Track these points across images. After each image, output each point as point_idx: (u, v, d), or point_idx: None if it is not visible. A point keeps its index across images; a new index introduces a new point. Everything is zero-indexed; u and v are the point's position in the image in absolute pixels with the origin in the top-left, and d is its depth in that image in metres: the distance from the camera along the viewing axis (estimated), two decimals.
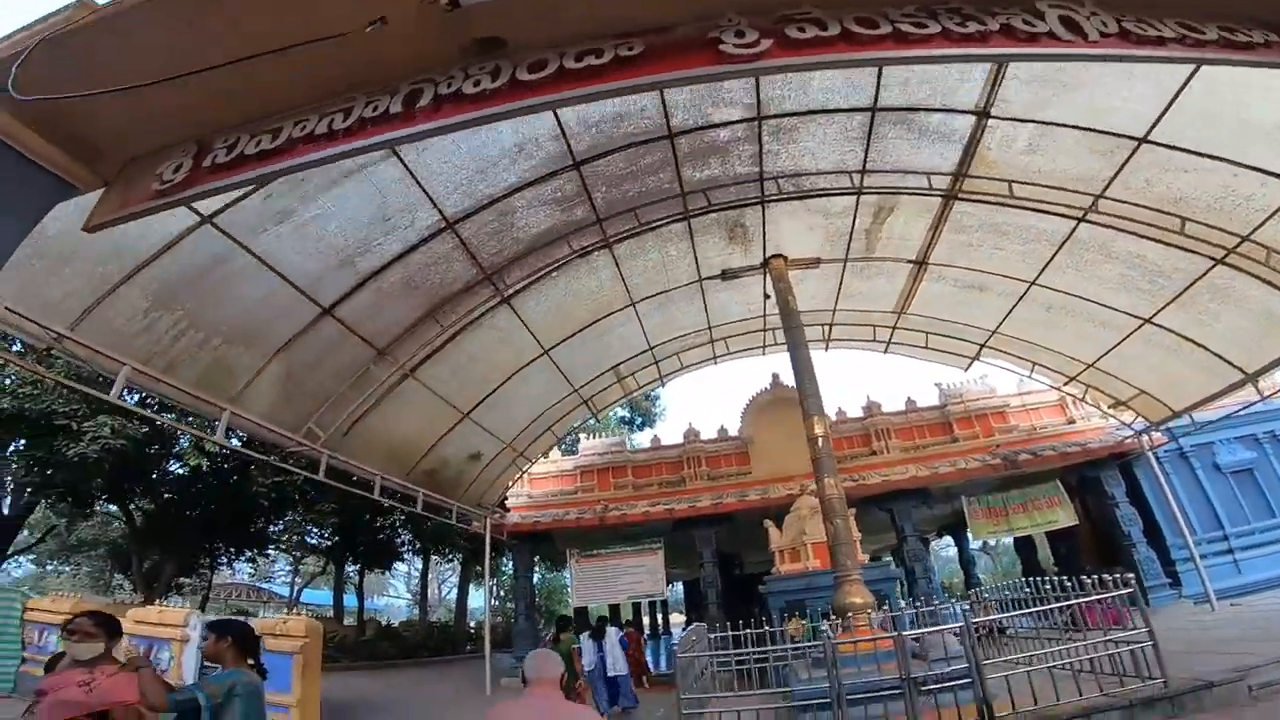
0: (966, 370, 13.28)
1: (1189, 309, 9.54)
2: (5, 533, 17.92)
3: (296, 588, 37.77)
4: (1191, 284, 9.07)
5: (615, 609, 19.36)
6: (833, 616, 7.04)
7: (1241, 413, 13.55)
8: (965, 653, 4.89)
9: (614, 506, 14.58)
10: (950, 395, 15.77)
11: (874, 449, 15.28)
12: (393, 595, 50.25)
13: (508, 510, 15.47)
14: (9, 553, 18.99)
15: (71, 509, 18.90)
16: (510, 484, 15.67)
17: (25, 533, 21.03)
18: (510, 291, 9.57)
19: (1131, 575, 5.26)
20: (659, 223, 9.47)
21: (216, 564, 23.83)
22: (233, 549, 22.16)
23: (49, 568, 31.81)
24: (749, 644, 6.38)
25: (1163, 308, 9.71)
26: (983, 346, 12.31)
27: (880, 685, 4.95)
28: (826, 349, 13.53)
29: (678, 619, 38.12)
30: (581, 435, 17.93)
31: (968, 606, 5.32)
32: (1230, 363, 9.90)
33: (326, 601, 32.75)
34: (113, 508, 19.94)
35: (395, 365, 9.16)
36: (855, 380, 18.35)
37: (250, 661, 3.43)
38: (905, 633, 5.20)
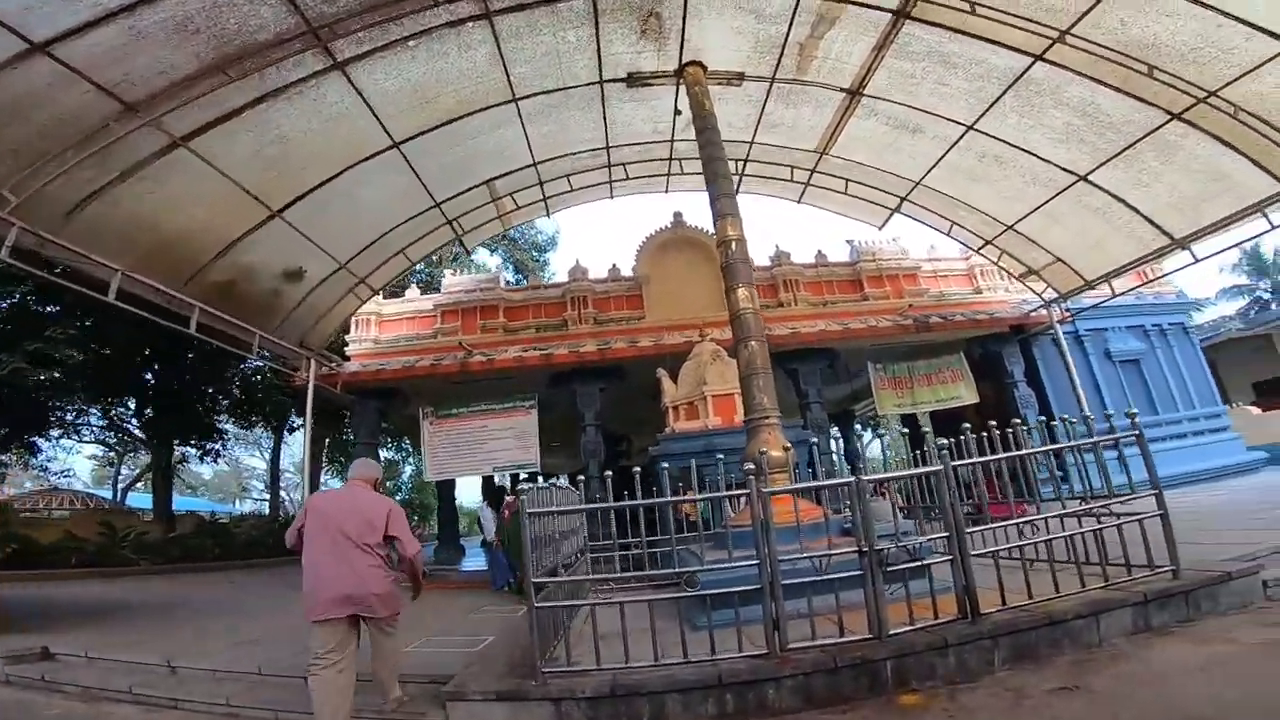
0: (881, 229, 12.32)
1: (1130, 167, 9.00)
2: None
3: (120, 485, 32.16)
4: (1141, 138, 8.52)
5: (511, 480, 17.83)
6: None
7: (1143, 293, 14.03)
8: (946, 517, 3.83)
9: (481, 352, 12.67)
10: (863, 252, 14.99)
11: (781, 300, 14.19)
12: (257, 497, 45.55)
13: (346, 359, 13.10)
14: None
15: None
16: (349, 321, 13.30)
17: None
18: (347, 56, 7.03)
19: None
20: None
21: None
22: None
23: None
24: (638, 522, 4.64)
25: (1103, 163, 9.13)
26: (904, 199, 11.32)
27: (828, 566, 3.73)
28: (737, 191, 11.91)
29: None
30: (446, 273, 15.48)
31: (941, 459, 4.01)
32: (1160, 227, 9.60)
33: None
34: None
35: (157, 128, 6.74)
36: (763, 236, 16.95)
37: None
38: (863, 483, 3.86)
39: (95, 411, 20.92)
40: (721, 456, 6.90)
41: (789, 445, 6.59)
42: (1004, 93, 8.69)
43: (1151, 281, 13.85)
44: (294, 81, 7.11)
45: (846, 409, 21.78)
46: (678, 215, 14.77)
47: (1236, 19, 6.54)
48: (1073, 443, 4.58)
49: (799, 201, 12.10)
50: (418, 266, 25.50)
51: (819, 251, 15.33)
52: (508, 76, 8.40)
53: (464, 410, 12.76)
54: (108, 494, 31.56)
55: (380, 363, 12.73)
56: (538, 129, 9.84)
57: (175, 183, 7.65)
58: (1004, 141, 9.57)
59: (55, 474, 29.91)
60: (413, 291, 15.07)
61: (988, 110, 9.08)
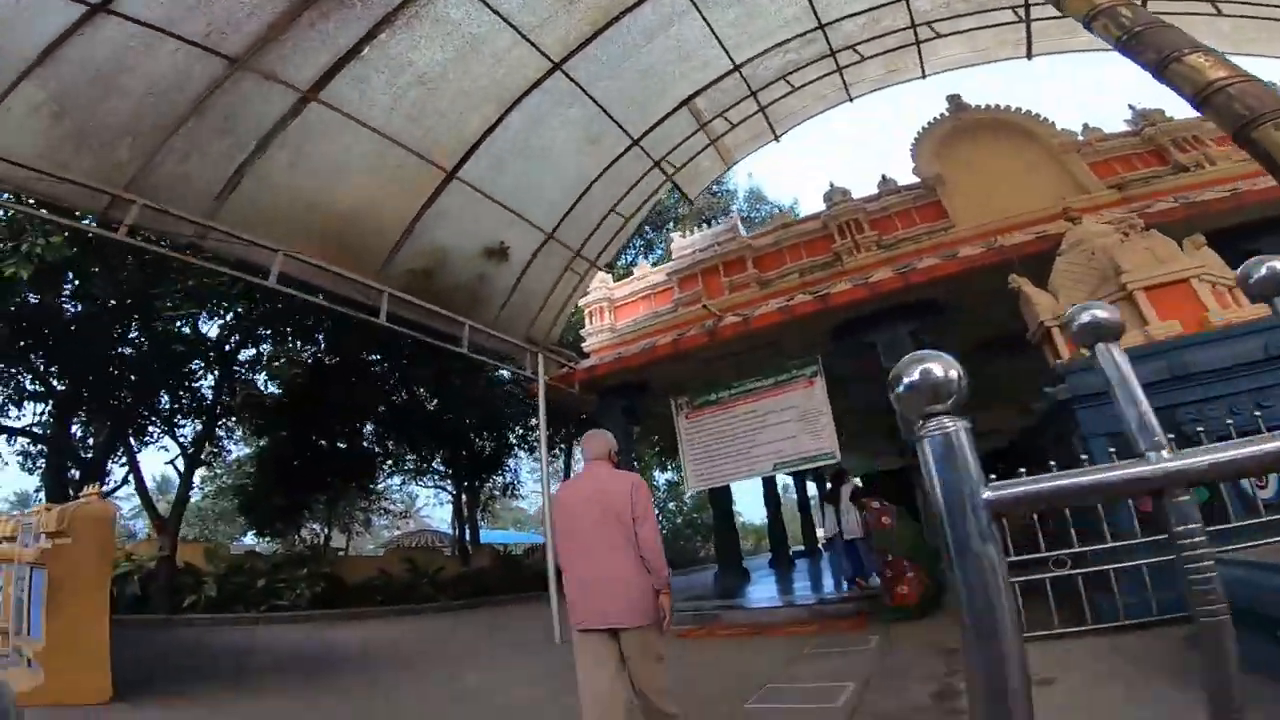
0: None
1: None
2: None
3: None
4: None
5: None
6: None
7: None
8: None
9: (734, 314, 9.65)
10: None
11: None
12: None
13: (585, 355, 11.15)
14: None
15: None
16: (579, 311, 11.42)
17: None
18: None
19: None
20: None
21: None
22: None
23: None
24: None
25: None
26: None
27: None
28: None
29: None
30: (674, 236, 13.00)
31: None
32: None
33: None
34: None
35: (274, 79, 5.72)
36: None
37: None
38: None
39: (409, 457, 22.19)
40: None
41: None
42: None
43: None
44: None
45: None
46: (954, 98, 10.31)
47: None
48: None
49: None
50: (638, 241, 23.95)
51: None
52: None
53: (725, 394, 9.85)
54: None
55: (618, 352, 10.49)
56: (721, 16, 7.45)
57: (322, 148, 6.45)
58: None
59: (411, 515, 34.36)
60: (644, 265, 12.83)
61: None
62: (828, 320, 9.02)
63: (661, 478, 34.66)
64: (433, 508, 38.38)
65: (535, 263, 8.95)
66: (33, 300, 11.68)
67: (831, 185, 10.64)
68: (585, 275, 9.92)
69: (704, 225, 13.50)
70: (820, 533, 21.28)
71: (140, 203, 5.18)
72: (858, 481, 9.53)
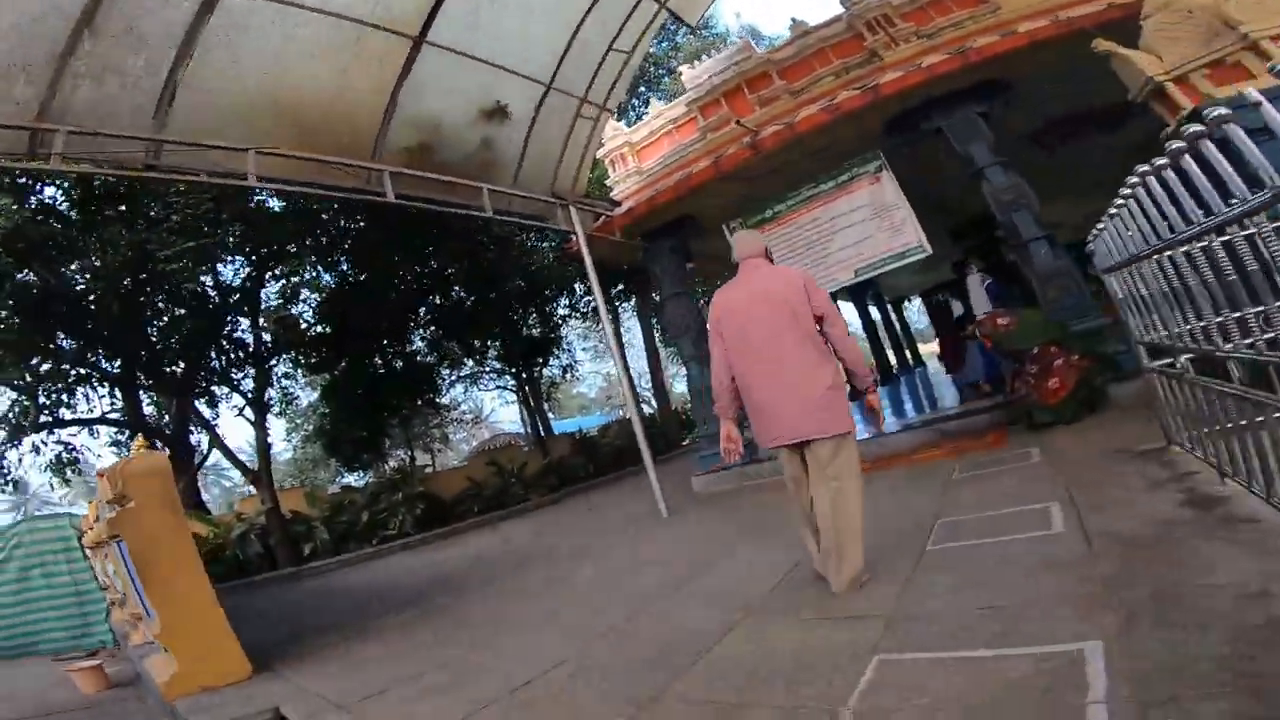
0: None
1: None
2: None
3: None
4: None
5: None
6: None
7: None
8: None
9: (772, 126, 8.36)
10: None
11: None
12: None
13: (616, 204, 10.12)
14: None
15: None
16: (599, 160, 10.40)
17: None
18: None
19: None
20: None
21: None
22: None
23: None
24: None
25: None
26: None
27: None
28: None
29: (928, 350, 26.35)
30: (682, 70, 11.39)
31: None
32: None
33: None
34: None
35: None
36: None
37: None
38: None
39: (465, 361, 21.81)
40: None
41: None
42: None
43: None
44: None
45: None
46: None
47: None
48: None
49: None
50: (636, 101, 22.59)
51: None
52: None
53: (782, 208, 8.72)
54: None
55: (655, 189, 9.41)
56: None
57: (263, 41, 5.49)
58: None
59: (484, 423, 35.00)
60: (655, 105, 11.35)
61: None
62: (881, 113, 7.78)
63: None
64: (500, 409, 39.38)
65: (541, 117, 7.97)
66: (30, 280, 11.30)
67: None
68: (598, 120, 8.85)
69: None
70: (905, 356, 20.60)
71: (64, 130, 4.35)
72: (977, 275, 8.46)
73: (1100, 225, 3.82)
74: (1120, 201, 3.15)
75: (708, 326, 3.28)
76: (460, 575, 7.72)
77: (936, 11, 8.44)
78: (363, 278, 15.87)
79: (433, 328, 18.70)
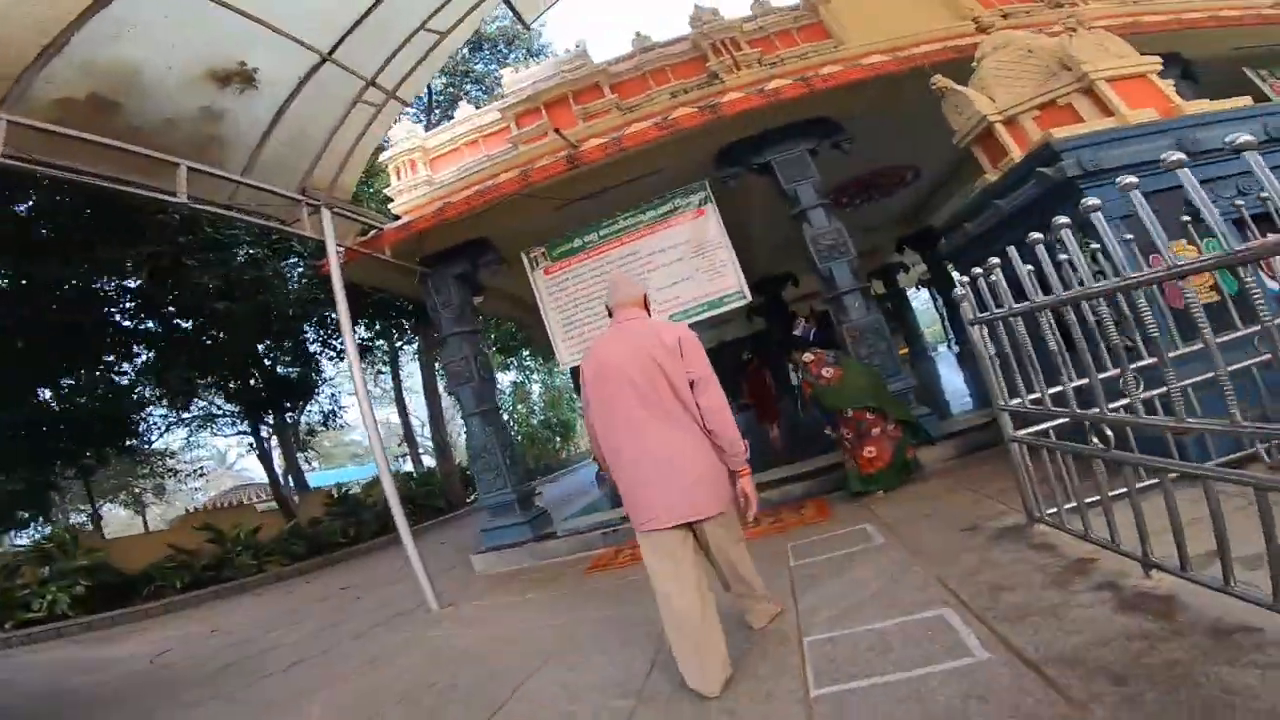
0: None
1: None
2: None
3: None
4: None
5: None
6: None
7: None
8: None
9: (595, 141, 7.34)
10: None
11: None
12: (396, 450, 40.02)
13: (395, 218, 8.37)
14: None
15: None
16: (384, 160, 8.76)
17: None
18: None
19: None
20: None
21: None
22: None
23: None
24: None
25: None
26: None
27: None
28: None
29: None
30: (504, 73, 10.10)
31: None
32: None
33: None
34: None
35: None
36: None
37: None
38: None
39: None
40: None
41: None
42: None
43: None
44: None
45: None
46: None
47: None
48: None
49: None
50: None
51: None
52: None
53: (593, 238, 7.65)
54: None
55: (443, 204, 7.79)
56: None
57: None
58: None
59: (210, 474, 29.17)
60: (466, 108, 9.88)
61: None
62: (715, 140, 7.20)
63: (504, 379, 32.28)
64: (247, 457, 33.53)
65: (305, 93, 5.93)
66: None
67: (696, 5, 8.55)
68: (382, 108, 6.93)
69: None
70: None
71: None
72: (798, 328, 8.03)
73: (976, 271, 3.44)
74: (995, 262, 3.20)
75: (581, 380, 2.93)
76: (87, 691, 5.23)
77: (782, 42, 8.37)
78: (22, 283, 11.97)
79: (141, 358, 14.70)
